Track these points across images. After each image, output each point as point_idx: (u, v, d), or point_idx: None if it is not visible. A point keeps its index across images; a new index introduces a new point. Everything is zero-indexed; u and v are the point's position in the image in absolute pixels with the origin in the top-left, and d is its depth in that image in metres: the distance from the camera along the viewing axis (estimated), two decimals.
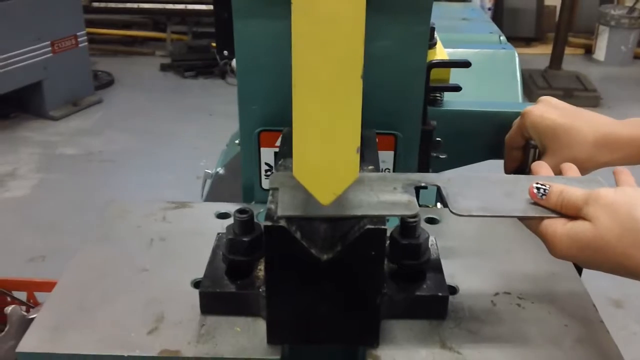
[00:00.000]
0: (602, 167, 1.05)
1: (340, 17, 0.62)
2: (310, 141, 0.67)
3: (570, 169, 0.90)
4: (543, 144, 1.08)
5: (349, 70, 0.64)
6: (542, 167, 0.91)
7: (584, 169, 1.04)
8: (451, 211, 0.79)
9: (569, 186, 0.80)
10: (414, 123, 1.06)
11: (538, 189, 0.81)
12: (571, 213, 0.78)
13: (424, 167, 1.16)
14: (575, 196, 0.78)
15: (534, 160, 1.20)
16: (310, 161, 0.68)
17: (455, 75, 1.21)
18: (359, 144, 0.67)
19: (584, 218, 0.76)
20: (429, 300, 0.84)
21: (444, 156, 1.20)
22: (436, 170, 1.24)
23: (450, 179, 0.84)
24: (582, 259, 0.78)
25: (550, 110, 1.07)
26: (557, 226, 0.78)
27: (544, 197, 0.80)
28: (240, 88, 1.02)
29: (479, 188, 0.84)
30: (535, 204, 0.81)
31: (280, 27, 0.93)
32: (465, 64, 1.12)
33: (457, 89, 1.17)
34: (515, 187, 0.84)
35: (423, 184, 0.83)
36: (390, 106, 1.02)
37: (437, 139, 1.18)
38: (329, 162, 0.68)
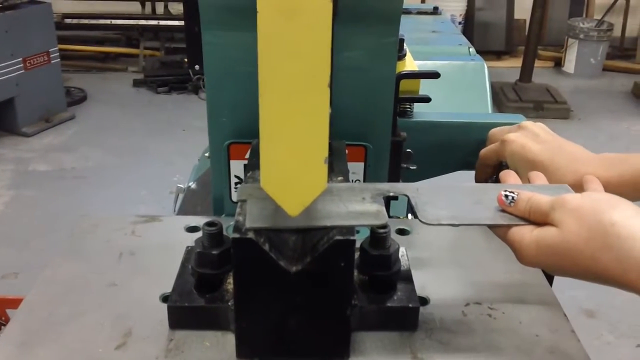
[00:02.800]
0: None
1: (306, 26, 0.61)
2: (278, 152, 0.66)
3: (538, 177, 0.91)
4: (519, 173, 1.07)
5: (316, 79, 0.63)
6: (510, 176, 0.91)
7: None
8: (420, 220, 0.79)
9: (537, 193, 0.80)
10: (384, 134, 1.06)
11: (506, 196, 0.81)
12: (539, 219, 0.78)
13: (394, 178, 1.16)
14: (543, 202, 0.78)
15: None
16: (278, 172, 0.67)
17: (425, 87, 1.22)
18: (327, 154, 0.66)
19: (551, 224, 0.76)
20: (399, 312, 0.84)
21: (414, 167, 1.20)
22: (407, 182, 1.24)
23: (419, 189, 0.84)
24: (551, 265, 0.78)
25: (531, 143, 1.05)
26: (524, 233, 0.79)
27: (512, 204, 0.81)
28: (209, 100, 1.02)
29: (448, 197, 0.84)
30: (503, 211, 0.81)
31: (248, 38, 0.92)
32: (434, 75, 1.13)
33: (426, 100, 1.18)
34: (484, 196, 0.84)
35: (392, 194, 0.83)
36: (360, 117, 1.02)
37: (408, 150, 1.18)
38: (296, 173, 0.67)
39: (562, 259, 0.75)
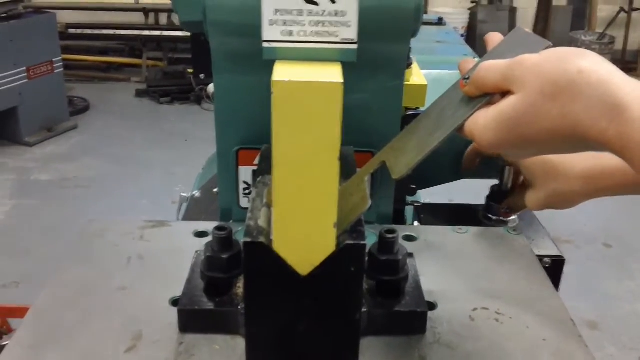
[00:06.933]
0: (590, 199, 1.04)
1: (317, 110, 0.66)
2: (290, 217, 0.71)
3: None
4: (529, 177, 1.08)
5: (327, 154, 0.68)
6: (468, 62, 0.81)
7: (571, 202, 1.04)
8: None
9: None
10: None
11: (466, 78, 0.75)
12: (499, 85, 0.70)
13: (400, 185, 1.17)
14: (500, 64, 0.71)
15: (509, 180, 1.22)
16: (290, 235, 0.72)
17: (431, 96, 1.22)
18: (335, 219, 0.71)
19: (510, 91, 0.69)
20: (407, 316, 0.84)
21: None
22: (417, 188, 1.25)
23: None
24: (514, 140, 0.69)
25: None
26: (479, 116, 0.72)
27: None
28: (217, 107, 1.02)
29: (417, 134, 0.81)
30: (465, 103, 0.75)
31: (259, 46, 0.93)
32: None
33: None
34: (442, 113, 0.79)
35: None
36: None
37: None
38: (307, 237, 0.72)
39: (527, 128, 0.67)
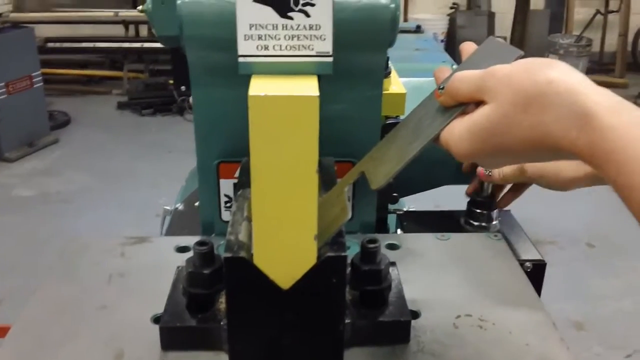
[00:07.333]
0: (589, 183, 1.05)
1: (294, 123, 0.66)
2: (270, 231, 0.71)
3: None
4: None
5: (305, 167, 0.68)
6: (443, 71, 0.82)
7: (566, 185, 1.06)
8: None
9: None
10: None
11: (441, 87, 0.75)
12: (472, 94, 0.71)
13: (381, 194, 1.17)
14: (473, 75, 0.71)
15: (489, 186, 1.23)
16: (270, 249, 0.72)
17: (410, 104, 1.23)
18: (316, 232, 0.71)
19: (483, 101, 0.70)
20: (391, 326, 0.84)
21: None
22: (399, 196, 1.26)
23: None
24: (489, 150, 0.70)
25: None
26: (453, 127, 0.72)
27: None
28: (196, 120, 1.02)
29: (396, 143, 0.81)
30: (441, 112, 0.76)
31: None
32: None
33: None
34: (419, 123, 0.79)
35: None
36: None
37: None
38: (288, 250, 0.72)
39: (500, 138, 0.68)
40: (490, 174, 0.84)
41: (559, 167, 1.07)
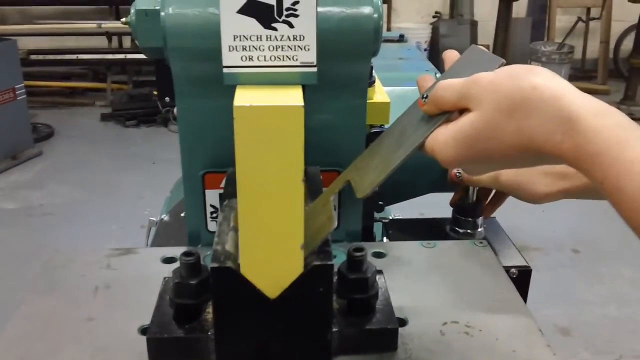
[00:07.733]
0: (562, 197, 1.07)
1: (279, 133, 0.67)
2: (256, 241, 0.72)
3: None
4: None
5: (290, 177, 0.69)
6: (426, 80, 0.83)
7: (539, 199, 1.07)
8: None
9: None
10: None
11: (424, 96, 0.76)
12: (456, 103, 0.72)
13: (372, 202, 1.17)
14: (456, 83, 0.72)
15: (474, 193, 1.23)
16: (257, 259, 0.72)
17: (395, 112, 1.24)
18: (302, 241, 0.72)
19: (467, 109, 0.70)
20: (378, 334, 0.84)
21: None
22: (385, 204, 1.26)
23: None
24: (474, 156, 0.71)
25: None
26: (438, 134, 0.73)
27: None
28: (181, 131, 1.02)
29: (380, 152, 0.82)
30: (425, 121, 0.76)
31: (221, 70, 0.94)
32: None
33: None
34: (404, 132, 0.80)
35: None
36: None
37: None
38: (274, 260, 0.73)
39: (485, 144, 0.69)
40: (460, 174, 0.84)
41: (533, 181, 1.08)
